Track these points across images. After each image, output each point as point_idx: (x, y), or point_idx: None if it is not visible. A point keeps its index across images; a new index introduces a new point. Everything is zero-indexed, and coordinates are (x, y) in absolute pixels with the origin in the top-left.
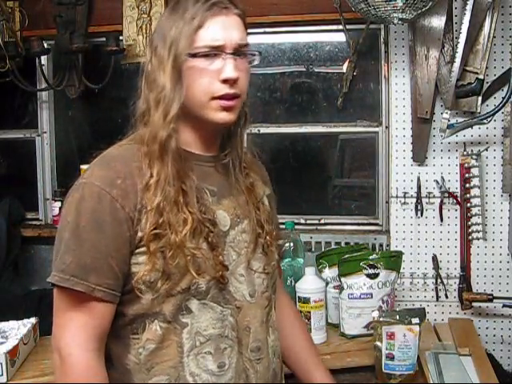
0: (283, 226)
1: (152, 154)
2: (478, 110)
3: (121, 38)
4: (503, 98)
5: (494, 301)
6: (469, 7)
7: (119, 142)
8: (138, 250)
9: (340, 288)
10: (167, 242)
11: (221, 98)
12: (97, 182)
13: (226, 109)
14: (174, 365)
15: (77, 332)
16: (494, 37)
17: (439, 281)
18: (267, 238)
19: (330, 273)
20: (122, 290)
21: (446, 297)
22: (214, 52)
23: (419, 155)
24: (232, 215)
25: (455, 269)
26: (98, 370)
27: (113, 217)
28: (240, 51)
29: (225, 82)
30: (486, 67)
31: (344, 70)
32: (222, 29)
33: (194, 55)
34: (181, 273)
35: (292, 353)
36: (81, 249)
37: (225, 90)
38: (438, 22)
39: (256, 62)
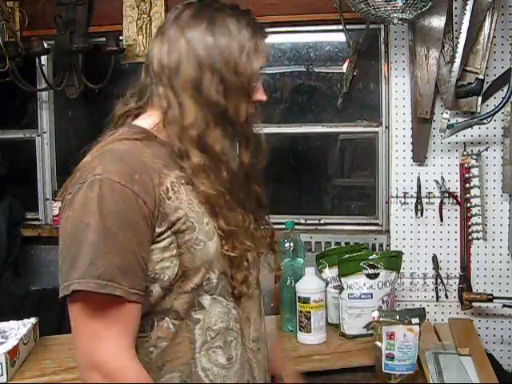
0: (283, 226)
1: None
2: (478, 110)
3: (121, 37)
4: (503, 98)
5: (494, 301)
6: (469, 7)
7: (113, 137)
8: (153, 247)
9: (340, 288)
10: (196, 238)
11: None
12: (115, 177)
13: None
14: (186, 361)
15: (119, 341)
16: (494, 37)
17: (439, 281)
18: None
19: (330, 273)
20: None
21: (446, 297)
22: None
23: (419, 155)
24: None
25: (455, 269)
26: (148, 376)
27: (138, 214)
28: None
29: (256, 102)
30: (486, 67)
31: (344, 70)
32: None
33: (255, 77)
34: (196, 269)
35: None
36: (111, 251)
37: (253, 109)
38: (438, 21)
39: None
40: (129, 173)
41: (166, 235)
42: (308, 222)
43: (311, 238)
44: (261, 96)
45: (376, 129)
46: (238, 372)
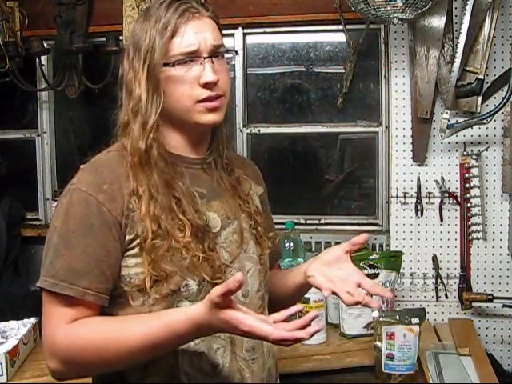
0: (283, 226)
1: (135, 164)
2: (478, 110)
3: (121, 37)
4: (503, 98)
5: (494, 301)
6: (469, 7)
7: (107, 149)
8: (127, 253)
9: None
10: (166, 248)
11: (204, 100)
12: (83, 187)
13: (212, 110)
14: (169, 364)
15: (59, 320)
16: (494, 37)
17: (439, 281)
18: (259, 228)
19: None
20: (113, 292)
21: (446, 297)
22: (191, 58)
23: (419, 155)
24: (222, 216)
25: (455, 269)
26: (79, 328)
27: (100, 221)
28: (216, 52)
29: (205, 85)
30: (486, 67)
31: (344, 70)
32: (195, 33)
33: (171, 64)
34: (170, 275)
35: (283, 288)
36: (71, 254)
37: (206, 93)
38: (438, 22)
39: (233, 62)
40: (98, 183)
41: (136, 242)
42: (308, 222)
43: (311, 238)
44: (208, 77)
45: (376, 129)
46: (224, 380)
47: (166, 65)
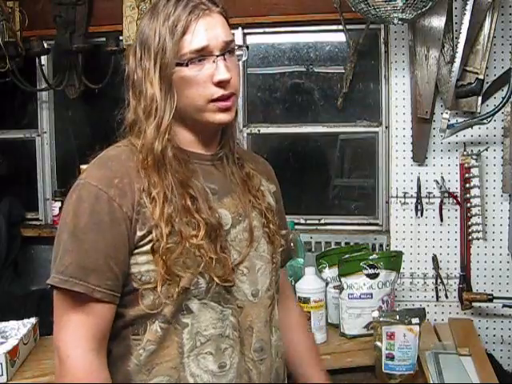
0: None
1: (149, 165)
2: (478, 110)
3: (121, 38)
4: (503, 98)
5: (494, 301)
6: (469, 7)
7: (115, 144)
8: (137, 251)
9: (340, 288)
10: (180, 252)
11: (217, 99)
12: (94, 182)
13: (224, 109)
14: (174, 365)
15: (75, 332)
16: (494, 37)
17: (439, 281)
18: (271, 226)
19: (329, 273)
20: (123, 290)
21: (446, 297)
22: (203, 56)
23: (419, 155)
24: (234, 213)
25: (455, 269)
26: (99, 371)
27: (111, 216)
28: (228, 48)
29: (219, 84)
30: (486, 67)
31: (344, 70)
32: (206, 31)
33: (185, 64)
34: (182, 274)
35: (291, 353)
36: (79, 250)
37: (220, 91)
38: (438, 22)
39: (244, 58)
40: (108, 177)
41: (148, 239)
42: (308, 222)
43: (311, 238)
44: (222, 75)
45: (376, 129)
46: (232, 381)
47: (178, 64)
